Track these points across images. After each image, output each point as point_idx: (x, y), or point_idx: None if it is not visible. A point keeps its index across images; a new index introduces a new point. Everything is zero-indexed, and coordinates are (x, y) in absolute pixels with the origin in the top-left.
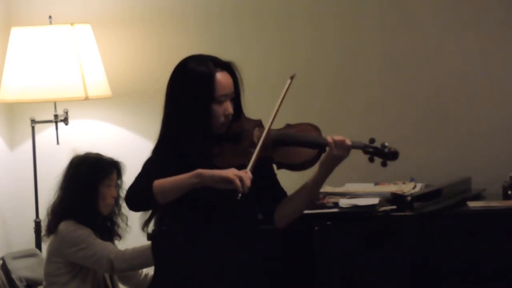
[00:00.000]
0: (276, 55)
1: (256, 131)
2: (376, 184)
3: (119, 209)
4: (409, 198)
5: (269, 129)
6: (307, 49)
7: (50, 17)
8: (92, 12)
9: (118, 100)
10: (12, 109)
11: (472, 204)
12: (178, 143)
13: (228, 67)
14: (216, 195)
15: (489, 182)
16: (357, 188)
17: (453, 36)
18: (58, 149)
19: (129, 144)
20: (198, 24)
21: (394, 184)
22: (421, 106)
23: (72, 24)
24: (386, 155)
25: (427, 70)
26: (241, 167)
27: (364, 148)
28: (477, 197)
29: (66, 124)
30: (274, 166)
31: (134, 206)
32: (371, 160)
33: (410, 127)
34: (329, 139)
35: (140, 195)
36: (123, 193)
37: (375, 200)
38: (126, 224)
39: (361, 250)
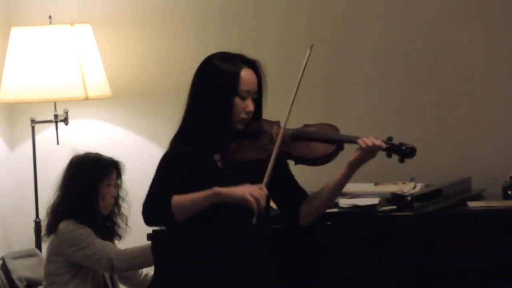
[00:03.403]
0: (276, 56)
1: (275, 128)
2: (376, 184)
3: (119, 209)
4: (409, 198)
5: (289, 113)
6: (307, 50)
7: (50, 17)
8: (92, 12)
9: (118, 100)
10: (12, 109)
11: (472, 204)
12: (197, 136)
13: (254, 65)
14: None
15: (489, 182)
16: (357, 188)
17: (453, 36)
18: (58, 149)
19: (129, 144)
20: (198, 24)
21: (394, 184)
22: (421, 106)
23: (72, 24)
24: (403, 152)
25: (427, 70)
26: (259, 162)
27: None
28: (477, 197)
29: (66, 124)
30: (292, 163)
31: (151, 222)
32: (389, 156)
33: (410, 127)
34: (362, 143)
35: (158, 213)
36: (122, 193)
37: (375, 200)
38: (126, 224)
39: (361, 250)
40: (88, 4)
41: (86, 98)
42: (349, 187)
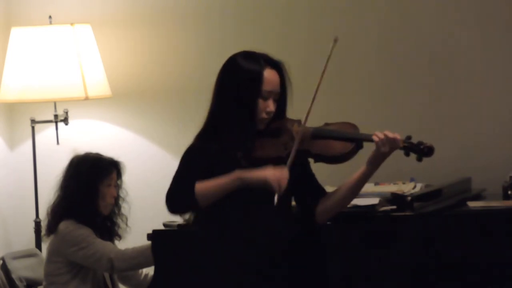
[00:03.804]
0: (276, 56)
1: (295, 127)
2: (376, 184)
3: (119, 209)
4: (409, 198)
5: (310, 109)
6: (306, 49)
7: (50, 17)
8: (92, 12)
9: (118, 100)
10: (12, 109)
11: (472, 204)
12: (221, 133)
13: (277, 66)
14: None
15: (489, 182)
16: None
17: (453, 35)
18: (58, 149)
19: (129, 144)
20: (197, 24)
21: (394, 184)
22: (421, 106)
23: (72, 24)
24: (421, 150)
25: (427, 70)
26: (280, 159)
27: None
28: (477, 197)
29: (66, 124)
30: (311, 161)
31: (175, 209)
32: (407, 155)
33: (410, 127)
34: (375, 137)
35: (182, 199)
36: (122, 193)
37: (375, 200)
38: (126, 224)
39: (361, 250)
40: (88, 4)
41: (86, 98)
42: None
